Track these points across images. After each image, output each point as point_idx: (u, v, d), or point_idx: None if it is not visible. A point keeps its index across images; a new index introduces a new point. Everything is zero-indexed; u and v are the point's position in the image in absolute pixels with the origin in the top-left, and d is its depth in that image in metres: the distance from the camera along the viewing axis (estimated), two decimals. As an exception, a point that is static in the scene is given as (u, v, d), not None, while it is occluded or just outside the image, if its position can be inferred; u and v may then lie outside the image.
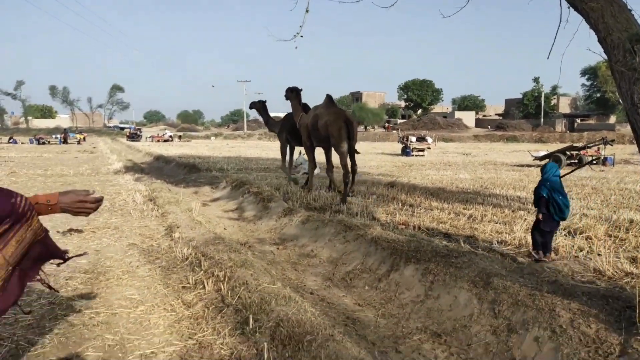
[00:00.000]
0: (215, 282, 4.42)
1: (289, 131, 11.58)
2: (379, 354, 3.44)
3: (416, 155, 26.49)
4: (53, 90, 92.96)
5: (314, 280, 5.30)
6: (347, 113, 9.77)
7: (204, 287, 4.37)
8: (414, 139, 28.59)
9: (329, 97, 9.96)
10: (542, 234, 5.12)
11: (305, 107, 10.90)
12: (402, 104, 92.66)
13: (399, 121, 78.13)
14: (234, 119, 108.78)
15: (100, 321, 3.70)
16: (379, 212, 7.97)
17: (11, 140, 44.27)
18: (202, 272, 4.74)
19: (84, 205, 2.27)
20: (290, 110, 11.26)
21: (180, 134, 62.79)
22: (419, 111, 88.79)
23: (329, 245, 6.31)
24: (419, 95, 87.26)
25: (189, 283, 4.54)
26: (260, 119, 11.93)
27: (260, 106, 12.62)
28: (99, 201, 2.33)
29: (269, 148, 34.25)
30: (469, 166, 19.15)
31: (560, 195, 5.01)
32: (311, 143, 10.42)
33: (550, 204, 5.02)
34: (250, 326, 3.46)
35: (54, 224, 7.20)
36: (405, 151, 27.01)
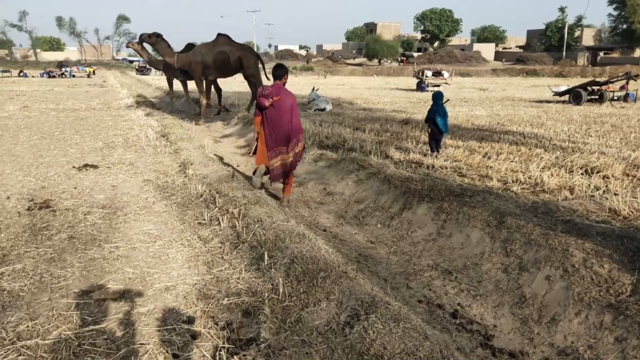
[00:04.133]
0: (230, 218, 4.49)
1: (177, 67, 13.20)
2: (390, 290, 3.52)
3: (431, 91, 25.79)
4: (60, 21, 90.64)
5: (327, 217, 5.35)
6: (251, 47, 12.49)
7: (219, 224, 4.45)
8: (429, 73, 27.62)
9: (227, 36, 12.31)
10: (434, 142, 7.34)
11: (190, 46, 13.30)
12: (419, 35, 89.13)
13: (415, 54, 75.43)
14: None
15: (120, 255, 3.81)
16: (393, 150, 7.89)
17: (21, 74, 44.01)
18: (217, 209, 4.81)
19: None
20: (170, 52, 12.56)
21: None
22: (436, 43, 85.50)
23: (341, 183, 6.32)
24: (436, 26, 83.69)
25: (204, 219, 4.62)
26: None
27: (139, 48, 13.32)
28: None
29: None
30: (486, 102, 18.69)
31: (442, 118, 7.10)
32: (205, 77, 12.53)
33: (436, 124, 7.11)
34: (266, 262, 3.54)
35: (69, 159, 7.29)
36: (421, 86, 26.27)
